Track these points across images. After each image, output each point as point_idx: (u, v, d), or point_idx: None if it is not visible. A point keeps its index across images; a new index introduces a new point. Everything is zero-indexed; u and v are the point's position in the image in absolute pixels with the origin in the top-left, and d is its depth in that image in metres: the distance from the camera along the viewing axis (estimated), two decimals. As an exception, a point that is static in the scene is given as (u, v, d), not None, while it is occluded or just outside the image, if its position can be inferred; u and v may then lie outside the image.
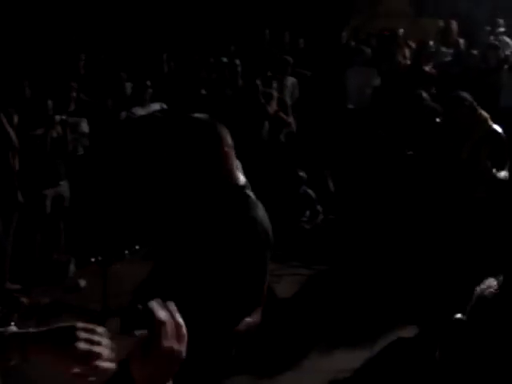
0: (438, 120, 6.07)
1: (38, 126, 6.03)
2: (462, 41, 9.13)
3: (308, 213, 7.12)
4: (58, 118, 6.04)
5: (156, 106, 7.12)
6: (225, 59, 8.39)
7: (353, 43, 9.91)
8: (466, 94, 5.27)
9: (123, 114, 7.05)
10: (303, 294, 5.87)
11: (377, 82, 8.43)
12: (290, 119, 7.89)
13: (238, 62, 8.03)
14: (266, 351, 4.70)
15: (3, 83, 6.11)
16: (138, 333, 1.22)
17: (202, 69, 8.42)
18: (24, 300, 5.57)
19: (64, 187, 6.25)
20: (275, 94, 7.72)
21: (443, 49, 9.37)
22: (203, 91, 7.65)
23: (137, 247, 6.75)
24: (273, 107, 7.56)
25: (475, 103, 5.22)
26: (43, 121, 6.03)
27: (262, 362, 4.63)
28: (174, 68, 8.26)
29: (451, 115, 5.32)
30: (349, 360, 4.65)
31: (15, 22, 8.94)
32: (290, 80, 8.38)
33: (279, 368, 4.60)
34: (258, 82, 7.38)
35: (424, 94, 6.15)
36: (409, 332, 5.03)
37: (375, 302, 5.43)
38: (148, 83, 7.14)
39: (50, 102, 6.05)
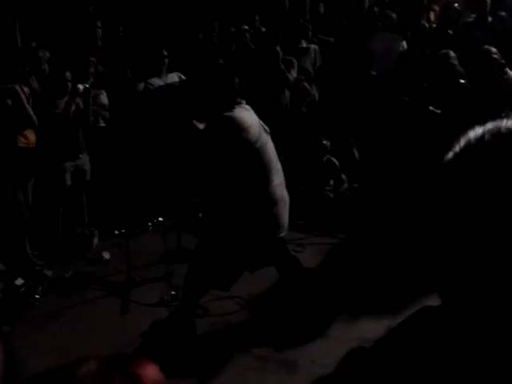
0: (462, 81, 5.89)
1: (60, 95, 5.96)
2: (488, 1, 8.84)
3: (332, 181, 7.01)
4: (80, 87, 5.95)
5: (174, 77, 7.01)
6: (246, 27, 8.24)
7: (376, 8, 9.68)
8: (495, 50, 5.10)
9: (141, 85, 6.96)
10: (327, 263, 5.80)
11: (402, 47, 8.23)
12: (313, 87, 7.75)
13: (258, 29, 7.90)
14: (292, 319, 4.66)
15: (23, 55, 6.05)
16: None
17: (221, 38, 8.29)
18: (48, 273, 5.59)
19: (84, 160, 6.21)
20: (295, 61, 7.57)
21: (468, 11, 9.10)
22: (221, 60, 7.52)
23: (160, 219, 6.75)
24: (293, 74, 7.43)
25: (503, 60, 5.05)
26: (65, 90, 5.96)
27: (288, 331, 4.59)
28: (193, 37, 8.13)
29: (479, 65, 5.13)
30: (374, 328, 4.57)
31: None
32: (312, 47, 8.22)
33: (305, 336, 4.56)
34: (278, 48, 7.23)
35: (451, 53, 5.96)
36: (435, 300, 4.94)
37: (400, 270, 5.33)
38: (165, 53, 7.03)
39: (68, 74, 5.98)
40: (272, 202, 4.28)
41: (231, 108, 4.20)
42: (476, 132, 0.91)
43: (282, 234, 4.47)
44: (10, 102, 5.40)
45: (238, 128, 4.13)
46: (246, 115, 4.25)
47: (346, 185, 7.00)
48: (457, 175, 0.89)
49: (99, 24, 7.31)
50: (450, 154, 0.91)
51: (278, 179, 4.39)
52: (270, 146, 4.35)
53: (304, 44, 8.09)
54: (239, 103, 4.27)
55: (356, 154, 7.52)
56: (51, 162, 5.92)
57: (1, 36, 7.07)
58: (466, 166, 0.88)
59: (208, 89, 4.37)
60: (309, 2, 9.64)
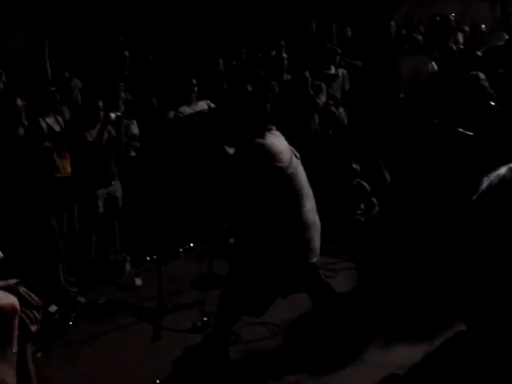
0: (492, 103, 5.85)
1: (92, 124, 6.05)
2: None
3: (363, 205, 6.98)
4: (112, 115, 6.03)
5: (203, 104, 7.09)
6: (273, 53, 8.32)
7: (404, 31, 9.70)
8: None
9: (171, 114, 7.05)
10: (359, 288, 5.75)
11: (429, 69, 8.22)
12: (341, 111, 7.77)
13: (285, 55, 7.96)
14: (325, 345, 4.62)
15: (54, 85, 6.19)
16: None
17: (249, 64, 8.37)
18: (81, 299, 5.64)
19: (116, 187, 6.28)
20: (324, 85, 7.60)
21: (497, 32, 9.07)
22: (249, 87, 7.59)
23: (191, 245, 6.78)
24: (322, 99, 7.45)
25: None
26: (97, 119, 6.05)
27: (322, 357, 4.55)
28: (221, 65, 8.22)
29: (509, 87, 5.09)
30: (409, 353, 4.51)
31: (65, 23, 9.10)
32: (340, 71, 8.26)
33: (339, 362, 4.52)
34: (307, 74, 7.27)
35: (481, 75, 5.93)
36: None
37: (433, 295, 5.26)
38: (194, 81, 7.12)
39: (100, 103, 6.07)
40: (304, 227, 4.27)
41: (262, 134, 4.22)
42: (498, 173, 0.96)
43: (314, 260, 4.45)
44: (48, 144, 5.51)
45: (270, 154, 4.15)
46: (277, 141, 4.27)
47: (376, 208, 6.96)
48: (480, 216, 0.95)
49: (127, 54, 7.42)
50: (475, 195, 0.97)
51: (310, 204, 4.38)
52: (300, 172, 4.36)
53: (333, 70, 8.13)
54: (270, 129, 4.29)
55: (387, 176, 7.48)
56: (84, 190, 6.00)
57: (33, 67, 7.25)
58: (488, 208, 0.94)
59: (239, 115, 4.41)
60: (335, 27, 9.71)
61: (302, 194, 4.31)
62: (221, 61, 8.00)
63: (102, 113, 6.01)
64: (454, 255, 0.98)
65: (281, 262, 4.24)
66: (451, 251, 1.00)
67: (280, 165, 4.17)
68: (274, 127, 4.35)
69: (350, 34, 9.58)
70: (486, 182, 0.97)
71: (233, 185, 4.67)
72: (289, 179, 4.22)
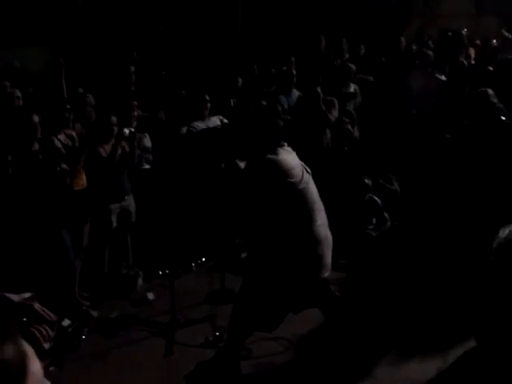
0: (503, 118, 5.85)
1: (106, 139, 6.11)
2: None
3: (375, 220, 6.98)
4: (126, 131, 6.08)
5: (216, 120, 7.14)
6: (284, 68, 8.38)
7: (414, 46, 9.75)
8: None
9: (184, 129, 7.10)
10: (371, 303, 5.74)
11: (440, 84, 8.24)
12: (355, 129, 7.80)
13: (294, 71, 8.03)
14: (337, 361, 4.61)
15: (68, 101, 6.26)
16: None
17: (262, 80, 8.44)
18: (94, 313, 5.67)
19: (129, 201, 6.32)
20: (336, 101, 7.64)
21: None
22: (263, 102, 7.64)
23: (203, 260, 6.80)
24: (334, 115, 7.49)
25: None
26: (110, 134, 6.11)
27: (333, 372, 4.54)
28: (232, 80, 8.30)
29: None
30: (422, 370, 4.50)
31: (79, 39, 9.21)
32: (353, 87, 8.30)
33: (350, 378, 4.51)
34: (319, 89, 7.31)
35: (490, 91, 5.94)
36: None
37: (446, 311, 5.25)
38: (207, 97, 7.18)
39: (114, 118, 6.13)
40: (316, 242, 4.28)
41: (275, 150, 4.25)
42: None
43: (326, 274, 4.46)
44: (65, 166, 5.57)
45: (282, 170, 4.18)
46: (289, 157, 4.30)
47: (388, 223, 6.95)
48: (496, 268, 1.08)
49: (133, 69, 7.48)
50: (493, 246, 1.08)
51: (321, 219, 4.39)
52: (312, 187, 4.38)
53: (352, 89, 8.18)
54: (282, 146, 4.33)
55: (398, 188, 7.48)
56: (98, 204, 6.04)
57: (47, 83, 7.33)
58: (502, 263, 1.07)
59: (252, 131, 4.44)
60: (346, 42, 9.78)
61: (314, 209, 4.32)
62: (240, 79, 8.07)
63: (115, 128, 6.06)
64: (473, 289, 1.08)
65: (293, 277, 4.25)
66: (471, 285, 1.09)
67: (292, 180, 4.20)
68: (285, 143, 4.38)
69: (363, 51, 9.63)
70: (501, 235, 1.06)
71: (245, 200, 4.70)
72: (300, 194, 4.24)
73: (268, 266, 4.30)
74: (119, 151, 6.06)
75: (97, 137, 6.08)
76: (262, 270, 4.35)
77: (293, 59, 8.74)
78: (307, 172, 4.41)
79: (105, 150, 6.05)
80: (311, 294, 4.44)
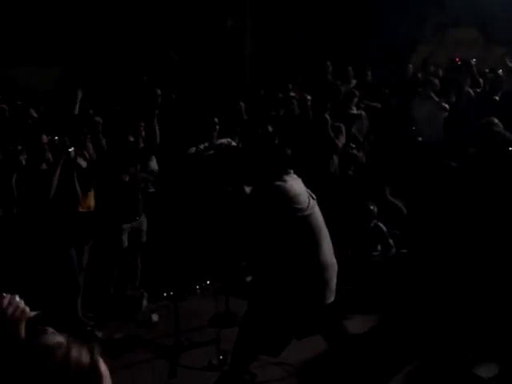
0: (511, 149, 5.88)
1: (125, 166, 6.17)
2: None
3: (380, 247, 7.00)
4: None
5: (224, 143, 7.20)
6: (293, 94, 8.46)
7: (420, 75, 9.83)
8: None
9: (192, 150, 7.17)
10: (376, 330, 5.74)
11: (446, 113, 8.30)
12: (360, 154, 7.85)
13: (308, 96, 8.10)
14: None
15: (82, 123, 6.34)
16: None
17: (269, 104, 8.52)
18: (98, 334, 5.68)
19: (142, 221, 6.33)
20: (343, 127, 7.71)
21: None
22: (270, 128, 7.71)
23: (208, 282, 6.82)
24: (341, 141, 7.55)
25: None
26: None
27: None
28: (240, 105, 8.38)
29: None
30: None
31: (89, 61, 9.31)
32: (360, 113, 8.37)
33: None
34: (327, 115, 7.38)
35: (495, 121, 5.99)
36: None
37: (451, 342, 5.25)
38: (216, 120, 7.25)
39: (132, 139, 6.21)
40: (323, 268, 4.31)
41: (280, 177, 4.30)
42: None
43: (331, 300, 4.47)
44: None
45: (289, 197, 4.21)
46: (295, 184, 4.35)
47: (393, 250, 6.97)
48: None
49: (159, 92, 7.56)
50: None
51: (327, 245, 4.42)
52: (317, 213, 4.42)
53: (355, 110, 8.25)
54: (288, 173, 4.38)
55: (404, 208, 7.50)
56: (110, 224, 6.06)
57: (58, 103, 7.42)
58: None
59: (260, 158, 4.48)
60: (351, 69, 9.88)
61: (320, 235, 4.35)
62: (242, 104, 8.14)
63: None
64: None
65: (299, 302, 4.27)
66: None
67: (299, 207, 4.23)
68: (292, 171, 4.43)
69: (369, 77, 9.73)
70: None
71: (251, 225, 4.72)
72: (307, 221, 4.28)
73: (274, 291, 4.32)
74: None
75: (117, 161, 6.10)
76: (267, 295, 4.37)
77: (290, 86, 8.82)
78: (313, 198, 4.45)
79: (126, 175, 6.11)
80: (316, 320, 4.45)
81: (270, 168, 4.34)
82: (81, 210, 5.73)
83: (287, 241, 4.24)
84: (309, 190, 4.47)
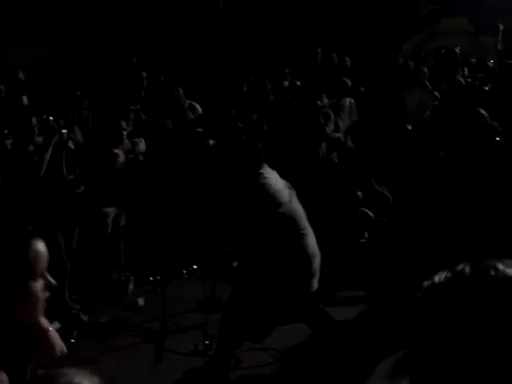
0: (497, 139, 5.90)
1: (117, 144, 6.12)
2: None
3: (367, 234, 7.02)
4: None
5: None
6: (286, 83, 8.43)
7: (411, 63, 9.83)
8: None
9: (211, 141, 7.14)
10: (362, 317, 5.76)
11: (435, 101, 8.31)
12: (348, 139, 7.84)
13: (298, 83, 8.08)
14: (326, 373, 4.63)
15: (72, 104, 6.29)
16: None
17: (259, 92, 8.47)
18: (84, 317, 5.66)
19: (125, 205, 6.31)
20: (332, 113, 7.70)
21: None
22: (254, 117, 7.67)
23: (194, 267, 6.80)
24: (330, 127, 7.54)
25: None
26: (120, 139, 6.13)
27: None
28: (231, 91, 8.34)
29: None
30: None
31: (80, 44, 9.23)
32: (348, 100, 8.35)
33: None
34: (318, 102, 7.37)
35: (482, 111, 5.99)
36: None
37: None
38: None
39: (123, 123, 6.18)
40: (307, 256, 4.33)
41: (258, 172, 4.29)
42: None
43: (315, 288, 4.49)
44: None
45: (272, 192, 4.23)
46: (273, 177, 4.35)
47: (380, 237, 6.99)
48: (422, 308, 1.12)
49: (145, 75, 7.51)
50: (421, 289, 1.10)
51: (311, 235, 4.45)
52: (297, 204, 4.43)
53: (347, 102, 8.23)
54: (263, 167, 4.36)
55: (390, 197, 7.51)
56: (95, 208, 6.03)
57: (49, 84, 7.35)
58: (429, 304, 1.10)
59: (233, 155, 4.49)
60: (335, 56, 9.87)
61: (304, 226, 4.38)
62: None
63: (124, 133, 6.12)
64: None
65: (285, 290, 4.28)
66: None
67: (282, 201, 4.25)
68: (266, 164, 4.41)
69: (348, 62, 9.74)
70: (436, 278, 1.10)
71: (237, 215, 4.71)
72: (291, 213, 4.30)
73: (260, 280, 4.33)
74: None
75: (108, 141, 6.07)
76: (253, 282, 4.37)
77: (287, 70, 8.74)
78: (290, 189, 4.47)
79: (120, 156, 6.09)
80: (301, 308, 4.46)
81: (244, 164, 4.34)
82: (70, 177, 5.73)
83: (272, 233, 4.26)
84: (286, 182, 4.48)
